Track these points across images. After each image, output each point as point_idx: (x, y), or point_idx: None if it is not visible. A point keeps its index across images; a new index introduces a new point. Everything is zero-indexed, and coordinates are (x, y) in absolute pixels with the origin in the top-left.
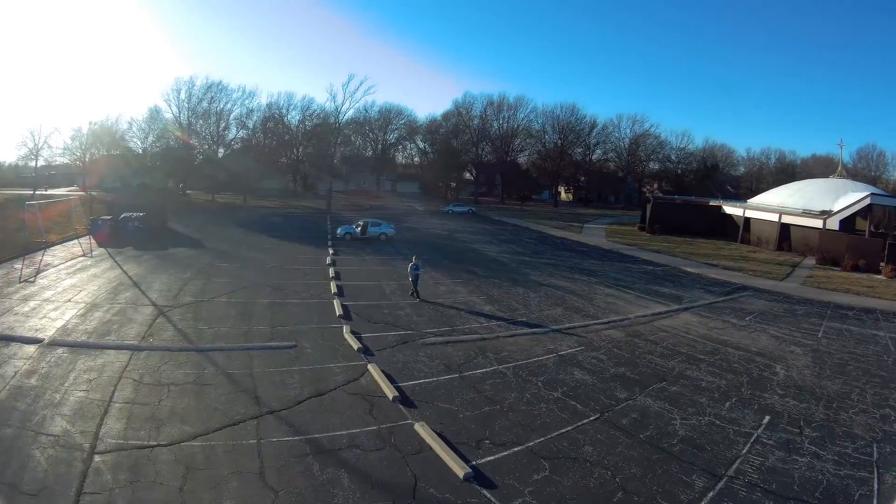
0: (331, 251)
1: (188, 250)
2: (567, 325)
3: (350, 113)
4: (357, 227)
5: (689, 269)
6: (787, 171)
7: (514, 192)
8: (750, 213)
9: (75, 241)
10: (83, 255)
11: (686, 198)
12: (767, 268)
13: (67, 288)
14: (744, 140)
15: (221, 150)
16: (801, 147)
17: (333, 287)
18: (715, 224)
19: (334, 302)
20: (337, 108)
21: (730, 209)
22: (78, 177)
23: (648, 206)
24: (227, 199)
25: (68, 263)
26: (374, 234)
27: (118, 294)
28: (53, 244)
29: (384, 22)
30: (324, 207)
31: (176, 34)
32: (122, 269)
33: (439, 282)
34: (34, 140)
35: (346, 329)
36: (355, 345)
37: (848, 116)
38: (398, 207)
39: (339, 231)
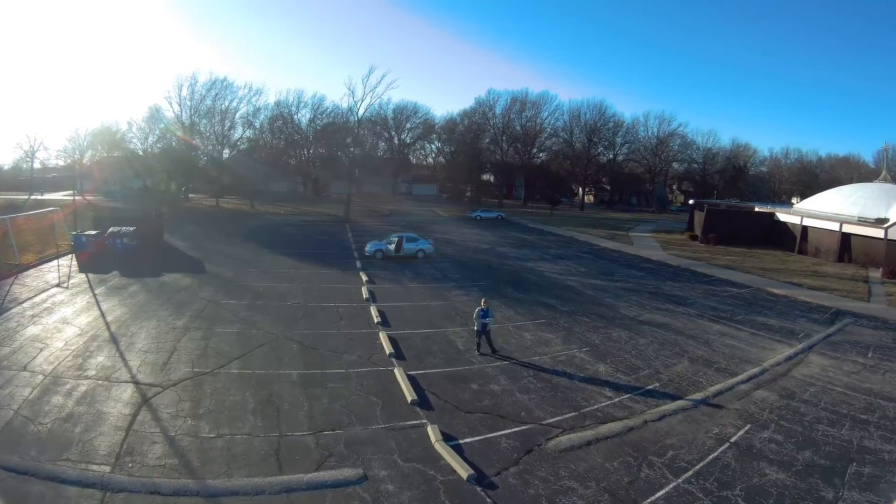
0: (364, 277)
1: (185, 277)
2: (711, 390)
3: (367, 109)
4: (390, 243)
5: (774, 291)
6: (808, 172)
7: (540, 195)
8: (808, 222)
9: (56, 261)
10: (58, 285)
11: (732, 202)
12: (844, 285)
13: (26, 343)
14: (758, 139)
15: (227, 152)
16: (810, 146)
17: (385, 341)
18: (768, 232)
19: (395, 372)
20: (355, 104)
21: (784, 216)
22: (78, 180)
23: (699, 213)
24: (232, 205)
25: (37, 299)
26: (409, 252)
27: (89, 357)
28: (28, 267)
29: (397, 15)
30: (340, 214)
31: (181, 31)
32: (100, 308)
33: (518, 324)
34: (30, 142)
35: (433, 434)
36: (460, 467)
37: (869, 115)
38: (419, 213)
39: (368, 248)
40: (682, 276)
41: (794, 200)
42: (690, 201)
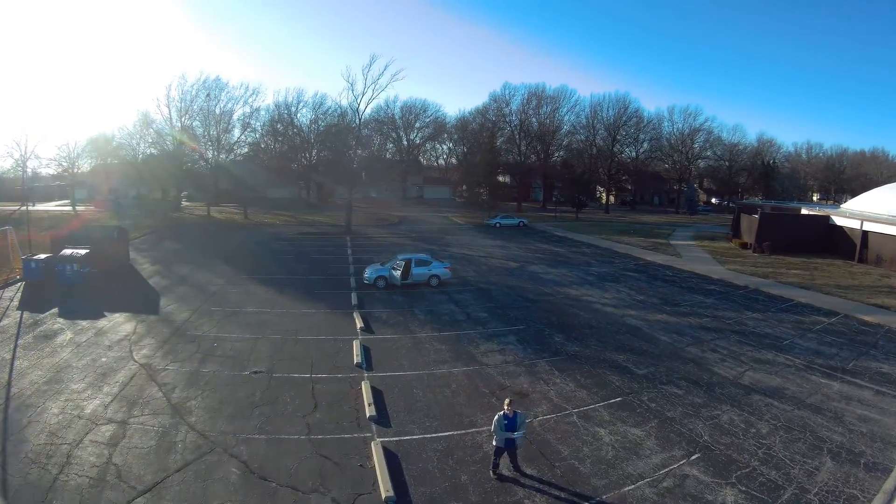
0: (358, 322)
1: (129, 321)
2: None
3: (371, 106)
4: (395, 268)
5: (866, 319)
6: (833, 169)
7: (560, 197)
8: (870, 226)
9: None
10: None
11: (757, 202)
12: None
13: None
14: (776, 135)
15: (225, 157)
16: (829, 141)
17: (381, 466)
18: (824, 238)
19: None
20: (356, 99)
21: (841, 220)
22: (71, 190)
23: (748, 218)
24: (226, 214)
25: None
26: (420, 279)
27: None
28: None
29: (405, 6)
30: (342, 224)
31: (180, 31)
32: (10, 373)
33: (584, 408)
34: (20, 150)
35: None
36: None
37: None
38: (431, 220)
39: (367, 273)
40: (757, 301)
41: (815, 198)
42: (714, 200)
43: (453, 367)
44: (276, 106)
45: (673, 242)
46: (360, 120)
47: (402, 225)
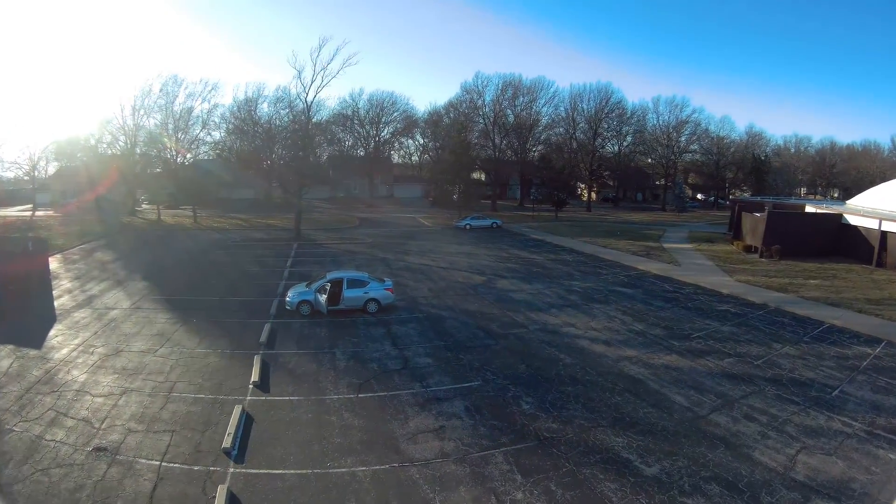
0: (256, 371)
1: (6, 356)
2: None
3: (325, 96)
4: (322, 290)
5: None
6: (825, 163)
7: (538, 195)
8: (890, 227)
9: None
10: None
11: (775, 200)
12: None
13: None
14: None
15: (183, 157)
16: (818, 133)
17: None
18: (834, 239)
19: None
20: (304, 88)
21: (855, 219)
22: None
23: (750, 217)
24: (178, 218)
25: None
26: (353, 303)
27: None
28: None
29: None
30: (292, 228)
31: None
32: None
33: None
34: None
35: None
36: None
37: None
38: (397, 222)
39: (289, 297)
40: (783, 326)
41: (802, 192)
42: (699, 196)
43: (360, 465)
44: (234, 102)
45: (667, 246)
46: (308, 112)
47: (362, 228)
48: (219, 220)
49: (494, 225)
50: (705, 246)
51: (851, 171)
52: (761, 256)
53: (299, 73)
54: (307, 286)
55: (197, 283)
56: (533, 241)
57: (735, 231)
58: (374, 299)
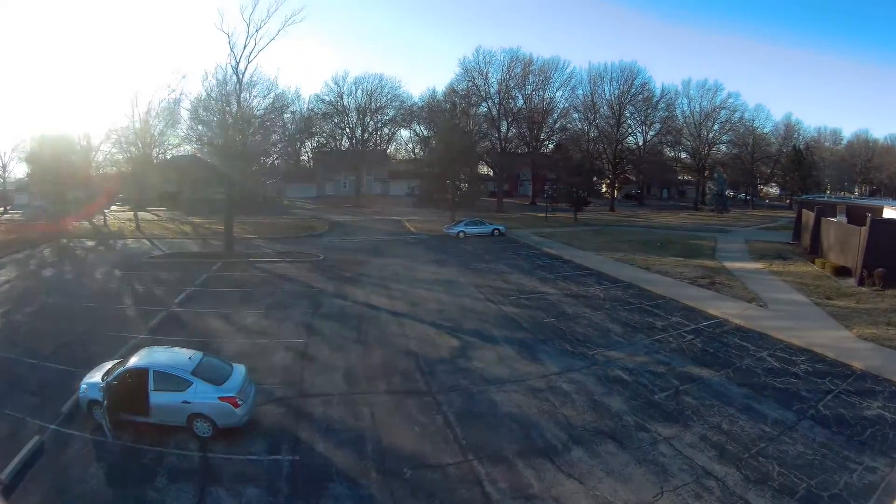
0: None
1: None
2: None
3: (252, 63)
4: (106, 390)
5: None
6: (861, 157)
7: (553, 192)
8: None
9: None
10: None
11: (822, 199)
12: None
13: None
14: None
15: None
16: (848, 126)
17: None
18: None
19: None
20: (235, 59)
21: None
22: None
23: (833, 225)
24: (128, 223)
25: None
26: (169, 416)
27: None
28: None
29: None
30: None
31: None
32: None
33: None
34: None
35: None
36: None
37: None
38: (376, 227)
39: (82, 388)
40: None
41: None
42: (729, 192)
43: None
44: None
45: (729, 265)
46: (240, 85)
47: (329, 235)
48: (168, 225)
49: (496, 232)
50: (778, 265)
51: (886, 166)
52: (861, 284)
53: (229, 37)
54: (107, 373)
55: (30, 328)
56: (545, 259)
57: (812, 243)
58: (200, 415)
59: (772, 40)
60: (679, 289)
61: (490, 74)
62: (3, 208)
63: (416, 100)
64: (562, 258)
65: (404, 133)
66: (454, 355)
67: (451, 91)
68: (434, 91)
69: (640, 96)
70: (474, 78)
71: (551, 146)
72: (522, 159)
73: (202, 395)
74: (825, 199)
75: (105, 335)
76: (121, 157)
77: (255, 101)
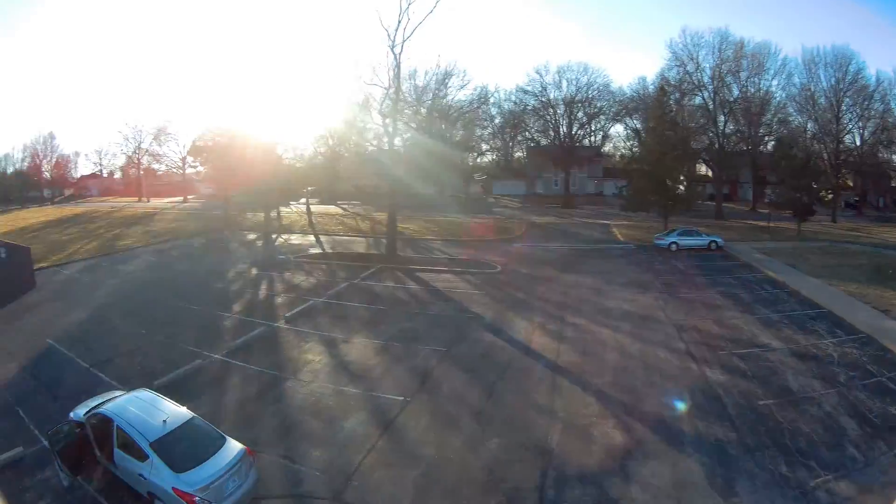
0: None
1: None
2: None
3: (406, 44)
4: (58, 440)
5: None
6: None
7: (779, 199)
8: None
9: None
10: None
11: None
12: None
13: None
14: None
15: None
16: None
17: None
18: None
19: None
20: (390, 37)
21: None
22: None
23: None
24: (295, 217)
25: None
26: (131, 478)
27: None
28: None
29: None
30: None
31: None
32: None
33: None
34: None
35: None
36: None
37: None
38: (577, 232)
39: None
40: None
41: None
42: None
43: None
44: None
45: None
46: (398, 70)
47: (522, 241)
48: (347, 221)
49: (712, 245)
50: None
51: None
52: None
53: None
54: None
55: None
56: (767, 287)
57: None
58: (160, 499)
59: None
60: None
61: (700, 59)
62: (183, 198)
63: (626, 90)
64: (786, 287)
65: (620, 129)
66: (605, 468)
67: (664, 80)
68: (644, 80)
69: (853, 87)
70: (685, 64)
71: (770, 144)
72: (741, 158)
73: (157, 477)
74: None
75: (171, 351)
76: (307, 152)
77: (451, 92)
